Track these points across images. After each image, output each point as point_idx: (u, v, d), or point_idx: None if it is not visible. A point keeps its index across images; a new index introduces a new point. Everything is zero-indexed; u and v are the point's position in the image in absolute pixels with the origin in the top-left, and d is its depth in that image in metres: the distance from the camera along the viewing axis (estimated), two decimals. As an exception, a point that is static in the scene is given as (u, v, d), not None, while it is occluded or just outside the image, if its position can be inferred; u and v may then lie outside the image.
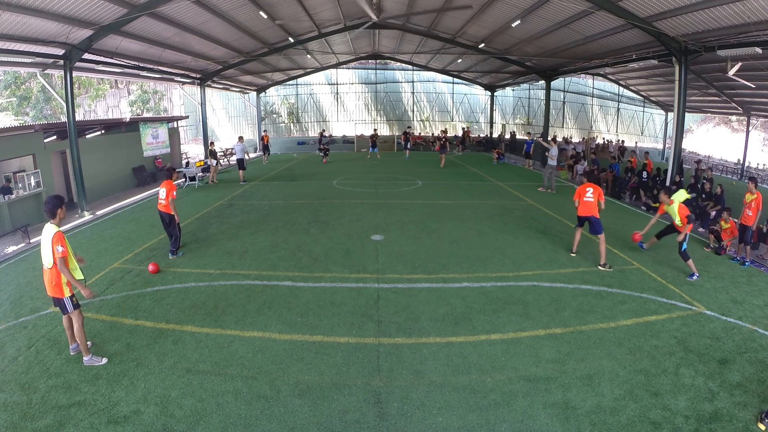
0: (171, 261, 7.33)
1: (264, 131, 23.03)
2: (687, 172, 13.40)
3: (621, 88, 27.37)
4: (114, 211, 11.52)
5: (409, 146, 23.42)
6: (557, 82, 25.78)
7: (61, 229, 4.29)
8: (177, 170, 8.25)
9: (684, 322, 5.31)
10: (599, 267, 7.06)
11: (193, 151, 25.99)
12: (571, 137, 27.41)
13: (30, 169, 10.93)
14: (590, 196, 7.26)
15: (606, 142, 24.02)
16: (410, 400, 3.88)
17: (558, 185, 14.71)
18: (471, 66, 24.53)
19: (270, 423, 3.59)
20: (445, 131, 26.62)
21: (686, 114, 12.31)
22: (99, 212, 11.41)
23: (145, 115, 34.01)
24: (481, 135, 29.67)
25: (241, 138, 16.59)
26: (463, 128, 29.60)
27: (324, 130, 25.97)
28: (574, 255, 7.61)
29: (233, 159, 22.50)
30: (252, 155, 24.14)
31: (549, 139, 16.44)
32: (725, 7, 8.85)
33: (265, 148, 20.85)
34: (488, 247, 8.07)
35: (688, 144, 29.54)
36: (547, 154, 14.46)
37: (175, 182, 7.84)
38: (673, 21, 10.13)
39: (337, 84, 30.12)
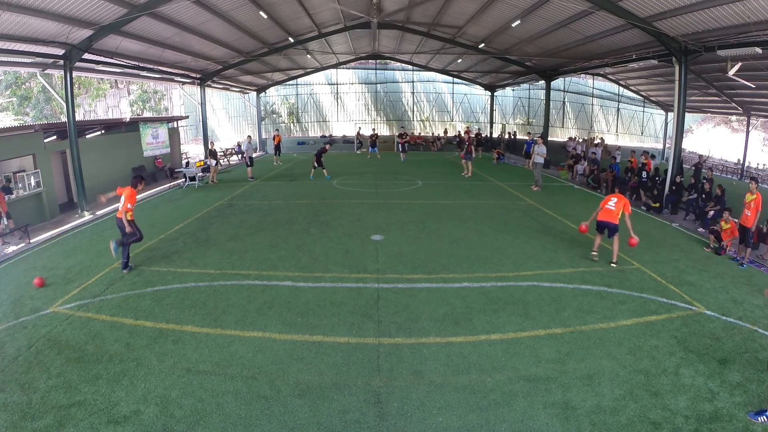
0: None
1: (276, 131, 22.96)
2: (687, 171, 13.40)
3: (621, 88, 27.32)
4: (114, 211, 11.48)
5: (405, 148, 21.77)
6: (557, 82, 25.74)
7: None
8: (144, 178, 7.28)
9: (684, 322, 5.31)
10: (612, 264, 7.17)
11: (193, 151, 25.99)
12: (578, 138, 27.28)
13: (30, 169, 10.92)
14: (612, 205, 7.16)
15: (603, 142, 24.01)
16: (410, 400, 3.88)
17: (557, 185, 14.72)
18: (471, 66, 24.51)
19: (270, 423, 3.59)
20: (479, 133, 25.53)
21: (686, 114, 12.30)
22: (99, 212, 11.39)
23: (146, 115, 34.01)
24: (472, 135, 29.57)
25: (249, 137, 16.99)
26: (467, 130, 29.27)
27: (326, 135, 24.29)
28: (595, 254, 7.42)
29: (233, 159, 22.58)
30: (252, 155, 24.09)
31: (537, 138, 16.47)
32: (725, 7, 8.84)
33: (277, 148, 20.87)
34: (488, 247, 8.07)
35: (688, 144, 29.52)
36: (535, 152, 14.53)
37: (138, 192, 6.98)
38: (673, 21, 10.12)
39: (337, 84, 30.11)
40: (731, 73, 10.44)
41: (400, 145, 21.94)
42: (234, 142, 26.96)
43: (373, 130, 26.78)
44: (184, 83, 20.05)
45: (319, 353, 4.61)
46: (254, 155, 17.85)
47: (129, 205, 6.70)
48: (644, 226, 9.96)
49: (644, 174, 12.84)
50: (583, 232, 7.76)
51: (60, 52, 10.53)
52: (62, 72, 11.01)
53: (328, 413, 3.71)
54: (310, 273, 6.77)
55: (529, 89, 28.73)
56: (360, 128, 28.02)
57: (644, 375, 4.23)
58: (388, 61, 28.25)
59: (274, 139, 20.94)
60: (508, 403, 3.83)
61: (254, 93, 27.44)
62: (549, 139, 21.74)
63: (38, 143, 11.21)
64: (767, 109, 18.97)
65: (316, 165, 16.02)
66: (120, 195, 6.80)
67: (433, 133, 29.77)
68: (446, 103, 31.04)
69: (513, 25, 14.28)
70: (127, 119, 16.92)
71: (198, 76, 19.10)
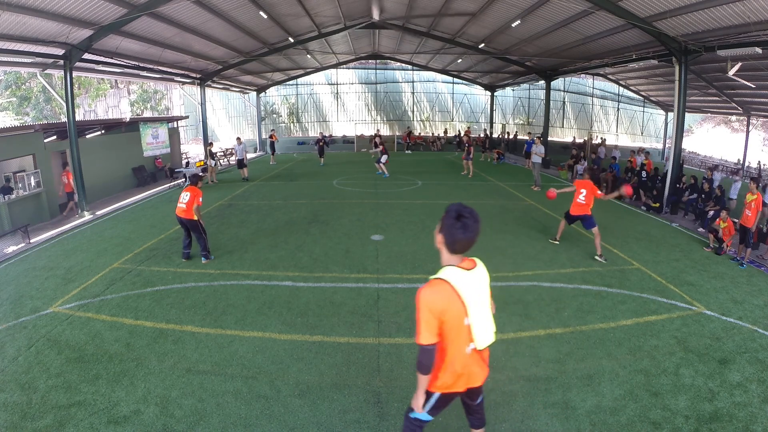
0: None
1: (272, 130, 22.87)
2: (689, 173, 13.37)
3: (621, 88, 27.36)
4: (114, 211, 11.52)
5: (383, 160, 15.85)
6: (557, 82, 25.76)
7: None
8: (201, 176, 7.88)
9: (684, 322, 5.31)
10: (596, 257, 7.40)
11: (193, 151, 25.99)
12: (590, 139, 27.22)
13: (30, 169, 10.93)
14: (582, 199, 7.55)
15: (602, 141, 24.04)
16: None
17: (557, 185, 14.68)
18: (471, 66, 24.52)
19: (270, 423, 3.59)
20: (487, 134, 25.10)
21: (686, 114, 12.30)
22: (99, 212, 11.40)
23: (146, 114, 34.00)
24: (481, 135, 29.59)
25: (239, 139, 17.05)
26: (467, 131, 29.09)
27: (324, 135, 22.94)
28: (555, 242, 8.11)
29: (233, 159, 22.58)
30: (251, 155, 24.10)
31: (536, 138, 16.47)
32: (725, 7, 8.84)
33: (272, 147, 20.89)
34: (488, 247, 8.06)
35: (688, 144, 29.53)
36: (534, 152, 14.55)
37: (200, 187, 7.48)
38: (673, 21, 10.12)
39: (337, 84, 30.12)
40: (731, 73, 10.45)
41: (379, 154, 16.25)
42: (234, 142, 26.96)
43: (377, 131, 26.23)
44: (184, 83, 20.06)
45: (319, 353, 4.61)
46: (253, 156, 17.90)
47: (200, 199, 7.15)
48: (644, 226, 9.96)
49: (644, 174, 12.84)
50: (551, 197, 7.99)
51: (60, 52, 10.53)
52: (62, 72, 11.00)
53: (328, 413, 3.71)
54: (310, 273, 6.77)
55: (529, 89, 28.74)
56: (409, 127, 25.56)
57: (644, 375, 4.23)
58: (388, 61, 28.26)
59: (270, 137, 21.00)
60: (508, 403, 3.83)
61: (254, 93, 27.45)
62: (550, 139, 21.75)
63: (38, 143, 11.21)
64: (767, 109, 18.98)
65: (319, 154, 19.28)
66: (186, 193, 7.13)
67: (433, 133, 29.77)
68: (446, 103, 31.05)
69: (513, 25, 14.28)
70: (127, 119, 16.92)
71: (198, 76, 19.11)
